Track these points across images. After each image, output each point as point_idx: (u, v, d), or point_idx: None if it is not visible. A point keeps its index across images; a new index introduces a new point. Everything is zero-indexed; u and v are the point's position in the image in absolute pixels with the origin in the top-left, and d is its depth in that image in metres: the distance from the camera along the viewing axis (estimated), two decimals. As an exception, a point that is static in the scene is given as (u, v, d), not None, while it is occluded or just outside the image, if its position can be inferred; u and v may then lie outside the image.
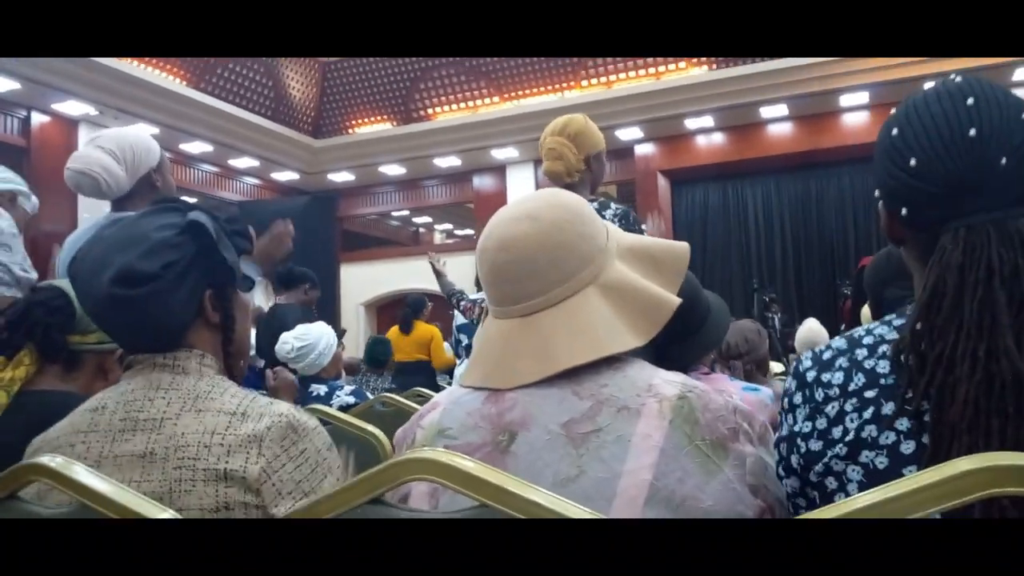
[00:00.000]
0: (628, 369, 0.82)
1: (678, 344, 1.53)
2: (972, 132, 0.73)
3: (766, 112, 8.04)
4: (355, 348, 9.98)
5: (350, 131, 9.73)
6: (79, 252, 1.02)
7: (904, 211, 0.78)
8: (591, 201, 2.20)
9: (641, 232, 2.28)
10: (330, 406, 2.36)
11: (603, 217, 2.16)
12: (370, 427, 1.56)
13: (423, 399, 2.45)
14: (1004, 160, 0.72)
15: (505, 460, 0.78)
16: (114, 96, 7.10)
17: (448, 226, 12.20)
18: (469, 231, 10.78)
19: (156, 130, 7.22)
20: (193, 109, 7.85)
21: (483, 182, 9.76)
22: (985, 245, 0.71)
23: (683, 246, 0.95)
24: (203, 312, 1.02)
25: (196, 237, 1.00)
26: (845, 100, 7.71)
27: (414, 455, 0.69)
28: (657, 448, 0.74)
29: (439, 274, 4.26)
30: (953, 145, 0.74)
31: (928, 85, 0.80)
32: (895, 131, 0.79)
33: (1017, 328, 0.68)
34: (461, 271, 5.23)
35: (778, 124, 8.30)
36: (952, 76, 0.80)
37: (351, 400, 2.52)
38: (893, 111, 0.83)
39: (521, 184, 9.33)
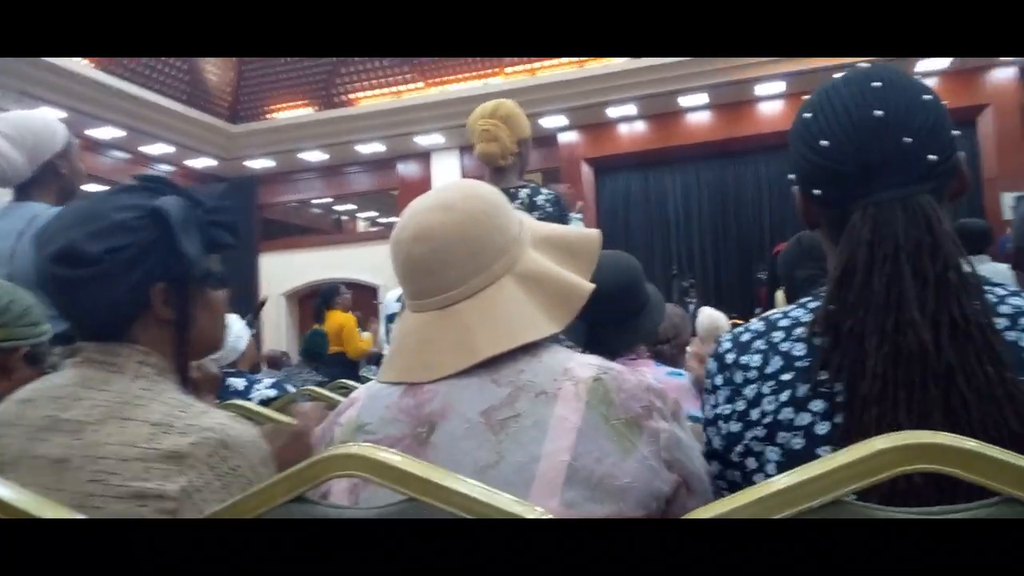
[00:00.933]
0: (544, 355, 0.83)
1: (616, 328, 1.56)
2: (878, 113, 0.77)
3: (686, 101, 8.20)
4: (277, 340, 9.78)
5: (269, 116, 9.47)
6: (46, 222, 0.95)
7: (817, 192, 0.81)
8: (523, 186, 2.21)
9: (567, 218, 2.30)
10: (249, 400, 2.29)
11: (536, 202, 2.18)
12: (292, 421, 1.52)
13: (347, 391, 2.41)
14: (908, 139, 0.76)
15: (425, 451, 0.78)
16: (15, 77, 6.70)
17: (372, 213, 12.03)
18: (394, 219, 10.58)
19: (63, 114, 6.85)
20: (102, 93, 7.49)
21: (408, 169, 9.66)
22: (892, 221, 0.74)
23: (595, 233, 0.96)
24: (152, 306, 0.95)
25: (157, 224, 0.93)
26: (761, 89, 7.93)
27: (338, 451, 0.68)
28: (575, 429, 0.76)
29: None
30: (860, 125, 0.77)
31: (839, 74, 0.84)
32: (807, 115, 0.83)
33: (922, 301, 0.71)
34: (386, 260, 5.16)
35: (697, 113, 8.48)
36: (860, 64, 0.84)
37: (271, 393, 2.45)
38: (807, 98, 0.86)
39: (446, 171, 9.28)
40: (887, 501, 0.65)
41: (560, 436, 0.75)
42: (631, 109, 8.38)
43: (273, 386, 2.51)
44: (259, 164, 9.79)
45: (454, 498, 0.62)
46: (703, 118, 8.49)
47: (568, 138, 8.87)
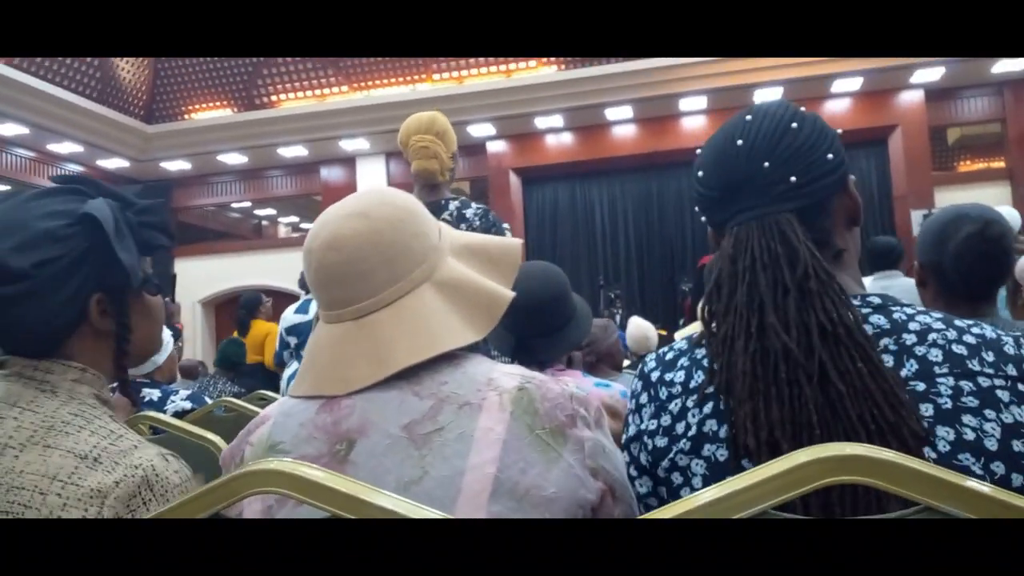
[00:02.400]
0: (467, 365, 0.82)
1: (544, 339, 1.56)
2: (739, 143, 0.85)
3: (612, 114, 8.34)
4: (193, 349, 9.46)
5: (186, 116, 9.17)
6: None
7: (703, 217, 0.91)
8: (453, 198, 2.21)
9: (503, 230, 2.31)
10: (164, 412, 2.20)
11: (464, 215, 2.18)
12: (209, 434, 1.46)
13: (267, 403, 2.34)
14: (767, 164, 0.83)
15: (344, 470, 0.76)
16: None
17: (294, 219, 11.78)
18: (317, 225, 10.44)
19: (-40, 109, 6.49)
20: (5, 87, 7.11)
21: (332, 174, 9.51)
22: (749, 237, 0.82)
23: (516, 242, 0.96)
24: (88, 318, 0.89)
25: (89, 231, 0.86)
26: (684, 104, 8.14)
27: (256, 467, 0.65)
28: (500, 441, 0.75)
29: None
30: (723, 154, 0.87)
31: (757, 92, 0.90)
32: (699, 150, 0.92)
33: (780, 306, 0.78)
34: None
35: (623, 126, 8.63)
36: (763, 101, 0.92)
37: (187, 405, 2.35)
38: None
39: (372, 176, 9.17)
40: (820, 512, 0.67)
41: (485, 448, 0.74)
42: (558, 120, 8.47)
43: (189, 398, 2.42)
44: (175, 166, 9.47)
45: (378, 515, 0.60)
46: (628, 131, 8.65)
47: (496, 147, 8.90)
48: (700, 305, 0.87)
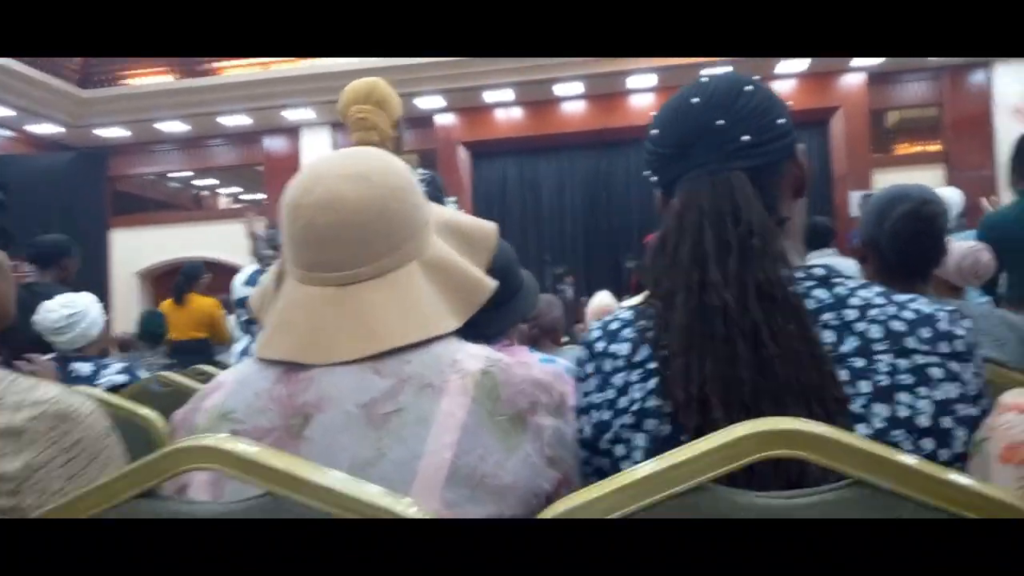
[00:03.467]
0: (434, 345, 0.79)
1: (488, 312, 1.55)
2: (694, 100, 0.86)
3: (561, 89, 8.32)
4: (130, 322, 9.20)
5: (123, 82, 8.84)
6: None
7: (655, 177, 0.90)
8: None
9: (443, 202, 2.27)
10: (96, 387, 2.14)
11: None
12: (144, 410, 1.41)
13: (206, 378, 2.29)
14: (720, 121, 0.83)
15: (298, 445, 0.73)
16: None
17: (236, 189, 11.50)
18: (259, 195, 10.22)
19: None
20: (-75, 44, 6.73)
21: (275, 144, 9.30)
22: (699, 193, 0.82)
23: (491, 225, 0.96)
24: None
25: None
26: (633, 82, 8.16)
27: (189, 442, 0.63)
28: (459, 425, 0.73)
29: (255, 237, 3.77)
30: (679, 110, 0.87)
31: (705, 70, 0.90)
32: (655, 112, 0.92)
33: (723, 263, 0.78)
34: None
35: (573, 102, 8.63)
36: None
37: (121, 379, 2.29)
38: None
39: (317, 147, 8.99)
40: (756, 484, 0.68)
41: (444, 432, 0.72)
42: (508, 95, 8.42)
43: (123, 371, 2.35)
44: (111, 133, 9.13)
45: (318, 493, 0.59)
46: (578, 107, 8.65)
47: (445, 120, 8.81)
48: (648, 260, 0.86)
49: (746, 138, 0.83)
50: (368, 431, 0.73)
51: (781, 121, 0.85)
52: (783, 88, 7.86)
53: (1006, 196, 3.00)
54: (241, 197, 11.40)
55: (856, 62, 7.73)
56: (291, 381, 0.78)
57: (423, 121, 8.62)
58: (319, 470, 0.60)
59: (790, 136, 0.86)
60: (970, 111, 7.91)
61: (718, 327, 0.75)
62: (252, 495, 0.62)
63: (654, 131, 0.89)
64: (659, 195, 0.92)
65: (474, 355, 0.80)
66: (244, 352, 3.51)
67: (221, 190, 11.58)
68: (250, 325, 3.71)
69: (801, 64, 7.69)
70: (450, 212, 0.94)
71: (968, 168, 7.79)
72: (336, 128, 8.97)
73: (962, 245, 2.04)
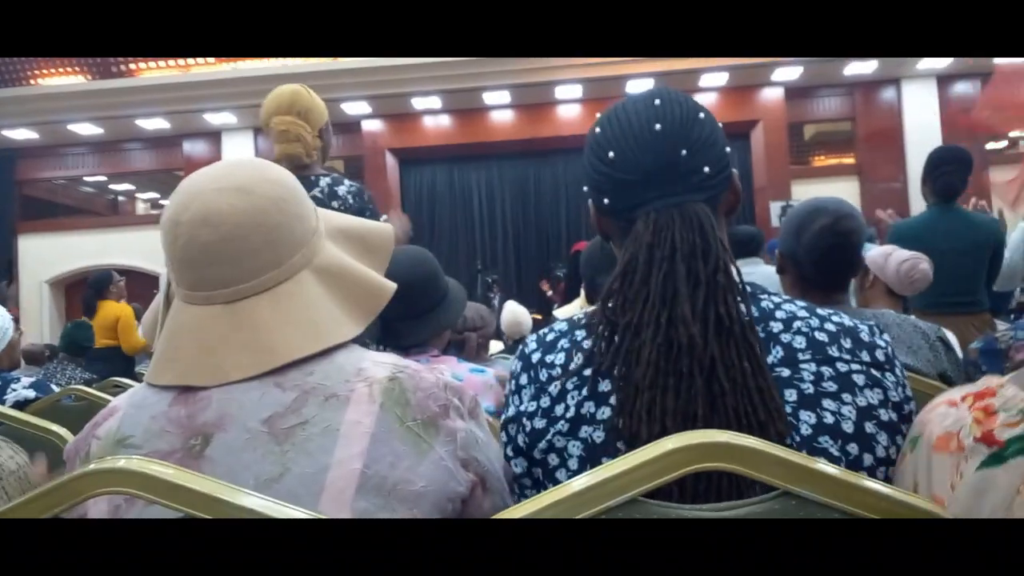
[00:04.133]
0: (337, 355, 0.78)
1: (410, 321, 1.53)
2: (657, 127, 0.84)
3: (490, 98, 8.34)
4: (40, 333, 8.76)
5: (33, 82, 8.43)
6: None
7: (606, 201, 0.87)
8: (324, 175, 2.09)
9: (378, 214, 2.23)
10: (2, 402, 2.02)
11: (336, 192, 2.08)
12: (54, 426, 1.34)
13: (121, 389, 2.19)
14: (683, 152, 0.83)
15: (200, 466, 0.71)
16: None
17: (153, 195, 11.09)
18: (181, 202, 9.87)
19: None
20: None
21: (195, 148, 9.02)
22: (670, 226, 0.81)
23: (388, 228, 0.94)
24: None
25: None
26: (560, 92, 8.24)
27: (101, 465, 0.60)
28: (368, 434, 0.72)
29: None
30: (641, 138, 0.84)
31: (630, 83, 0.90)
32: (598, 130, 0.89)
33: (692, 299, 0.78)
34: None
35: (501, 111, 8.65)
36: (647, 89, 0.91)
37: (31, 394, 2.17)
38: (599, 115, 0.92)
39: (238, 152, 8.76)
40: (690, 497, 0.68)
41: (352, 442, 0.71)
42: (436, 102, 8.39)
43: (32, 385, 2.23)
44: (19, 135, 8.69)
45: (235, 513, 0.56)
46: (506, 116, 8.68)
47: (372, 126, 8.71)
48: (608, 285, 0.83)
49: (706, 170, 0.84)
50: (272, 446, 0.71)
51: (728, 150, 0.87)
52: (707, 101, 8.06)
53: (916, 207, 3.15)
54: (160, 203, 11.01)
55: (775, 76, 8.00)
56: (188, 401, 0.75)
57: (350, 127, 8.50)
58: (236, 490, 0.58)
59: (730, 164, 0.88)
60: (881, 126, 8.28)
61: (683, 363, 0.75)
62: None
63: (609, 153, 0.85)
64: (595, 212, 0.91)
65: (380, 363, 0.79)
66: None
67: (138, 195, 11.15)
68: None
69: (722, 77, 7.91)
70: (344, 217, 0.93)
71: (880, 180, 8.15)
72: (259, 132, 8.77)
73: (901, 255, 2.12)
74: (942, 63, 7.74)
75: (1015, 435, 0.62)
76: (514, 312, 4.57)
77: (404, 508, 0.71)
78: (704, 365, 0.75)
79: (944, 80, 8.12)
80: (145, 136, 8.99)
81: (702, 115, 0.86)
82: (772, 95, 8.30)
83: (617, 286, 0.82)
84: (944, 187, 2.85)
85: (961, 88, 8.13)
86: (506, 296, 7.72)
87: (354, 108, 8.30)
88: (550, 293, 7.61)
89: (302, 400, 0.73)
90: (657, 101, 0.86)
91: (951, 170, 2.86)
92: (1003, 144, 8.93)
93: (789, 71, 7.86)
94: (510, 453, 0.85)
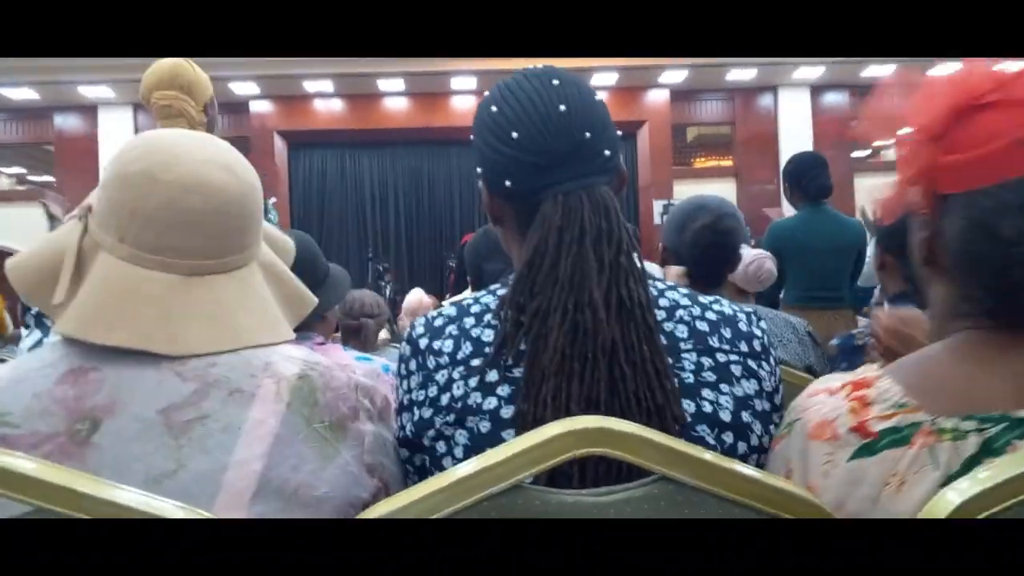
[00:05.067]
0: (245, 348, 0.75)
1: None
2: (562, 108, 0.82)
3: (384, 85, 8.21)
4: None
5: None
6: None
7: (508, 183, 0.84)
8: None
9: (266, 203, 2.16)
10: None
11: None
12: None
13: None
14: (588, 134, 0.82)
15: (84, 453, 0.66)
16: None
17: (20, 170, 10.31)
18: (48, 177, 9.23)
19: None
20: None
21: (68, 122, 8.46)
22: (579, 209, 0.80)
23: (290, 242, 0.94)
24: None
25: None
26: (456, 83, 8.22)
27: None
28: (271, 434, 0.69)
29: (54, 219, 3.28)
30: (548, 119, 0.82)
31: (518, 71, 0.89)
32: (494, 108, 0.85)
33: (600, 283, 0.77)
34: (38, 223, 4.43)
35: (395, 98, 8.54)
36: (533, 67, 0.89)
37: None
38: (487, 93, 0.90)
39: (117, 129, 8.27)
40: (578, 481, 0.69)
41: (254, 442, 0.68)
42: (328, 86, 8.19)
43: None
44: None
45: (101, 509, 0.53)
46: (401, 104, 8.58)
47: (260, 108, 8.42)
48: (518, 271, 0.81)
49: (607, 152, 0.84)
50: (166, 439, 0.67)
51: (619, 133, 0.87)
52: (598, 98, 8.24)
53: (789, 208, 3.33)
54: (27, 178, 10.24)
55: (662, 79, 8.26)
56: (79, 381, 0.69)
57: (236, 107, 8.18)
58: (103, 485, 0.54)
59: (620, 147, 0.88)
60: (758, 130, 8.70)
61: (587, 347, 0.75)
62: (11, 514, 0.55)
63: (513, 133, 0.82)
64: (489, 195, 0.89)
65: (290, 358, 0.76)
66: (35, 348, 3.14)
67: (3, 170, 10.34)
68: (43, 319, 3.32)
69: (611, 78, 8.10)
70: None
71: (756, 182, 8.57)
72: (139, 108, 8.30)
73: (748, 253, 2.24)
74: (815, 73, 8.21)
75: (887, 427, 0.64)
76: (419, 299, 4.52)
77: (304, 513, 0.68)
78: (607, 349, 0.75)
79: (817, 89, 8.62)
80: (11, 107, 8.36)
81: (597, 97, 0.86)
82: (658, 97, 8.57)
83: (526, 271, 0.80)
84: (819, 189, 3.02)
85: (831, 98, 8.66)
86: (398, 284, 7.65)
87: (241, 88, 8.00)
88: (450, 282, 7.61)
89: (203, 392, 0.69)
90: (556, 81, 0.84)
91: (821, 172, 3.04)
92: (867, 152, 9.58)
93: (675, 74, 8.14)
94: (399, 440, 0.84)
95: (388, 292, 7.16)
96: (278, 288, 0.83)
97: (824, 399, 0.72)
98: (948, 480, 0.61)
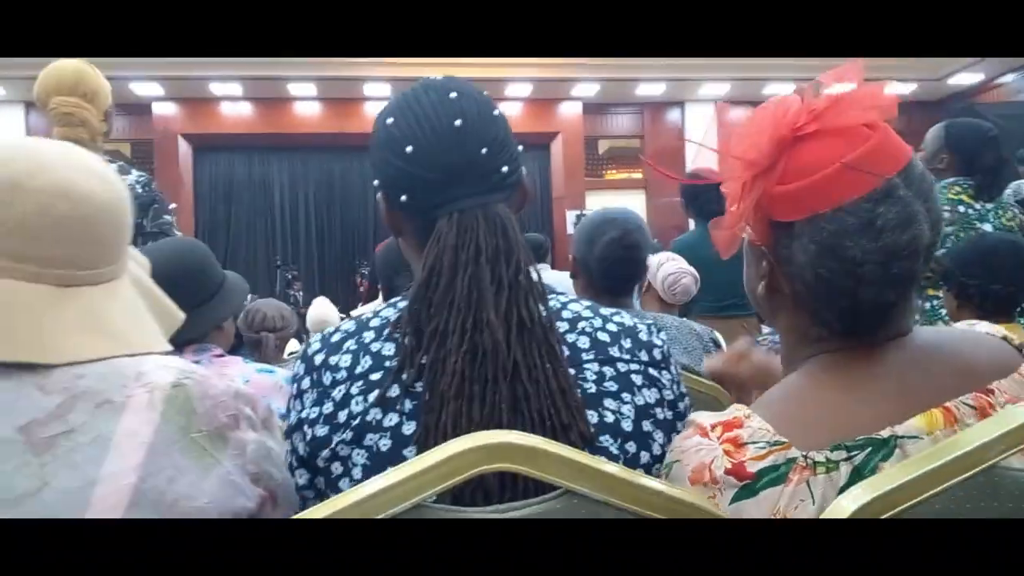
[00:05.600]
0: (116, 357, 0.72)
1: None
2: (458, 122, 0.81)
3: (295, 89, 8.04)
4: None
5: None
6: None
7: (404, 198, 0.83)
8: (109, 160, 1.90)
9: (167, 208, 2.08)
10: None
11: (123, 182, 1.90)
12: None
13: None
14: (484, 151, 0.81)
15: None
16: None
17: None
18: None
19: None
20: None
21: (-51, 120, 7.92)
22: (474, 227, 0.79)
23: (144, 258, 0.91)
24: None
25: None
26: (369, 89, 8.11)
27: None
28: (145, 445, 0.66)
29: None
30: (443, 133, 0.81)
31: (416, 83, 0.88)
32: (390, 120, 0.84)
33: (497, 303, 0.76)
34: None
35: (307, 103, 8.37)
36: (433, 77, 0.88)
37: None
38: (384, 105, 0.88)
39: (7, 128, 7.78)
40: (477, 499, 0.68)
41: (127, 454, 0.65)
42: (236, 89, 7.94)
43: None
44: None
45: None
46: (312, 109, 8.41)
47: (164, 110, 8.08)
48: (413, 291, 0.79)
49: (504, 169, 0.83)
50: (28, 458, 0.63)
51: (520, 148, 0.87)
52: (511, 110, 8.29)
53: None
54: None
55: (575, 92, 8.38)
56: None
57: (139, 108, 7.84)
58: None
59: (520, 163, 0.87)
60: (666, 144, 8.93)
61: (487, 369, 0.74)
62: None
63: (407, 148, 0.81)
64: (386, 208, 0.87)
65: (164, 367, 0.73)
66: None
67: None
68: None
69: (526, 88, 8.17)
70: None
71: (663, 195, 8.78)
72: (31, 107, 7.84)
73: (668, 268, 2.31)
74: (722, 89, 8.50)
75: (763, 468, 0.66)
76: (322, 310, 4.39)
77: None
78: (507, 370, 0.74)
79: (722, 105, 8.92)
80: None
81: (496, 112, 0.85)
82: (571, 109, 8.70)
83: (422, 292, 0.78)
84: (711, 213, 3.13)
85: (736, 114, 8.98)
86: (309, 293, 7.48)
87: (144, 89, 7.66)
88: (361, 290, 7.49)
89: (68, 405, 0.66)
90: (453, 95, 0.83)
91: (713, 196, 3.15)
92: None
93: (587, 87, 8.28)
94: (293, 463, 0.80)
95: (299, 300, 7.00)
96: (148, 302, 0.81)
97: (699, 441, 0.72)
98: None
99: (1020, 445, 0.58)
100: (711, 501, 0.67)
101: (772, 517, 0.65)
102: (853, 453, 0.65)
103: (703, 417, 0.75)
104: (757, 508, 0.66)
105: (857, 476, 0.64)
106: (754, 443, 0.68)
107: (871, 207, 0.67)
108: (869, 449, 0.65)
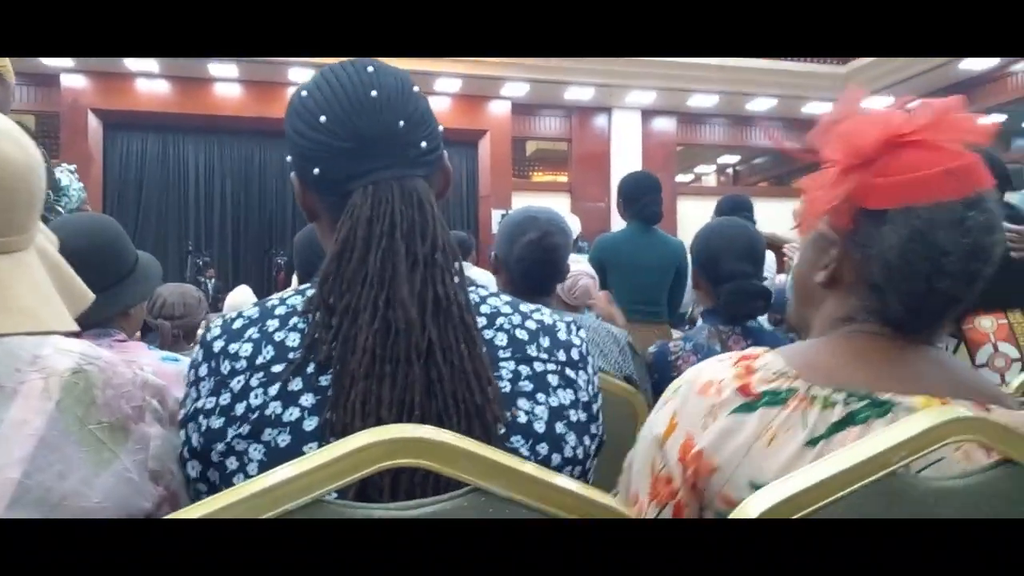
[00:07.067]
0: (9, 339, 0.66)
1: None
2: (373, 93, 0.79)
3: (216, 70, 7.77)
4: None
5: None
6: None
7: (316, 171, 0.80)
8: None
9: (78, 187, 1.97)
10: None
11: None
12: None
13: None
14: (401, 123, 0.80)
15: None
16: None
17: None
18: None
19: None
20: None
21: None
22: (390, 200, 0.77)
23: (52, 235, 0.86)
24: None
25: None
26: (294, 74, 7.92)
27: None
28: (35, 437, 0.61)
29: None
30: (358, 103, 0.79)
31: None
32: (304, 93, 0.83)
33: (412, 279, 0.74)
34: None
35: (227, 84, 8.10)
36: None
37: None
38: (303, 81, 0.86)
39: None
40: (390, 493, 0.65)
41: (13, 445, 0.60)
42: (152, 65, 7.62)
43: None
44: None
45: None
46: (233, 91, 8.14)
47: (73, 82, 7.68)
48: (325, 266, 0.76)
49: (423, 145, 0.81)
50: None
51: (441, 128, 0.85)
52: (440, 106, 8.23)
53: (618, 226, 3.48)
54: None
55: (504, 91, 8.38)
56: None
57: (45, 79, 7.43)
58: None
59: (441, 144, 0.86)
60: (592, 149, 9.04)
61: (400, 348, 0.71)
62: None
63: (321, 117, 0.79)
64: (300, 186, 0.85)
65: (64, 351, 0.67)
66: None
67: None
68: None
69: (455, 84, 8.13)
70: None
71: (588, 199, 8.89)
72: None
73: (571, 268, 2.32)
74: (648, 98, 8.65)
75: (767, 389, 0.73)
76: (242, 298, 4.24)
77: None
78: (421, 350, 0.72)
79: (647, 114, 9.08)
80: None
81: (416, 88, 0.84)
82: (500, 108, 8.70)
83: (334, 266, 0.75)
84: (651, 215, 3.17)
85: (660, 123, 9.16)
86: (221, 280, 7.24)
87: (52, 59, 7.27)
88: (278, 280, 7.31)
89: None
90: (370, 68, 0.82)
91: (654, 199, 3.18)
92: (691, 177, 10.23)
93: (516, 87, 8.29)
94: (186, 455, 0.75)
95: (209, 288, 6.77)
96: (56, 279, 0.75)
97: (713, 364, 0.79)
98: (812, 441, 0.69)
99: (922, 451, 0.60)
100: (709, 410, 0.74)
101: (763, 432, 0.70)
102: (852, 399, 0.71)
103: (720, 355, 0.81)
104: (752, 422, 0.71)
105: (850, 420, 0.70)
106: (764, 370, 0.75)
107: (963, 209, 0.73)
108: (867, 402, 0.71)
